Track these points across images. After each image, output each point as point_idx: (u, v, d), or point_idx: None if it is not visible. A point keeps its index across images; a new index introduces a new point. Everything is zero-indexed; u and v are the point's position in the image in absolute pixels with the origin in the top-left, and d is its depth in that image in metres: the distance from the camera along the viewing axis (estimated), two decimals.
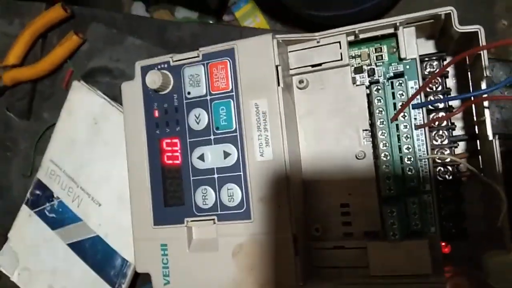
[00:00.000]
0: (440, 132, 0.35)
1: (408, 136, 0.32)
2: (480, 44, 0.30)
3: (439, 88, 0.35)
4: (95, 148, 0.50)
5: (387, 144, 0.31)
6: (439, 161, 0.34)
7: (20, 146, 0.59)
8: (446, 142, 0.35)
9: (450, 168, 0.35)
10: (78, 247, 0.50)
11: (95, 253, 0.50)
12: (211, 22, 1.17)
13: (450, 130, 0.35)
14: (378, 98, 0.31)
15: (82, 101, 0.52)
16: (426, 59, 0.35)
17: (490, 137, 0.30)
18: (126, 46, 0.55)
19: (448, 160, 0.33)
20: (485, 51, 0.30)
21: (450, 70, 0.35)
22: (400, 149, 0.32)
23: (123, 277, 0.46)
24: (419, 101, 0.33)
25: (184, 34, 0.54)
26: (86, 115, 0.51)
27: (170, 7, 1.18)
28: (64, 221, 0.51)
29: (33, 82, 0.57)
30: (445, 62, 0.35)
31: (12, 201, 0.57)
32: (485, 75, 0.30)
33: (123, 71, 0.54)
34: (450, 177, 0.35)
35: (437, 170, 0.35)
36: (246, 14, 1.17)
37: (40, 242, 0.52)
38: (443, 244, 0.34)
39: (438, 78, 0.35)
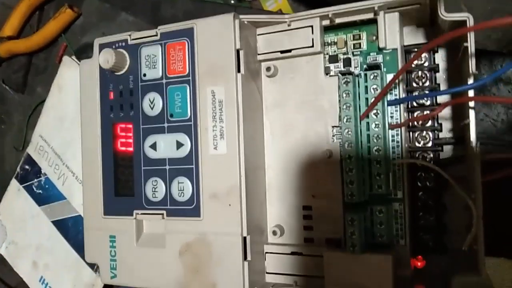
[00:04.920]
0: (424, 133, 0.31)
1: (379, 136, 0.28)
2: (469, 37, 0.26)
3: (427, 84, 0.31)
4: None
5: (352, 145, 0.28)
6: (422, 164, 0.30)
7: (13, 120, 0.59)
8: (430, 144, 0.31)
9: (432, 174, 0.31)
10: (61, 225, 0.50)
11: (77, 232, 0.49)
12: (232, 1, 1.13)
13: (435, 132, 0.31)
14: (346, 91, 0.28)
15: (72, 77, 0.51)
16: (415, 49, 0.31)
17: (472, 144, 0.26)
18: (119, 22, 0.53)
19: (424, 164, 0.29)
20: (473, 43, 0.26)
21: (441, 63, 0.31)
22: (369, 150, 0.28)
23: None
24: (397, 97, 0.29)
25: (178, 11, 0.52)
26: (75, 92, 0.50)
27: None
28: (49, 198, 0.51)
29: (28, 55, 0.57)
30: (436, 55, 0.31)
31: (4, 174, 0.58)
32: (471, 71, 0.26)
33: None
34: (432, 184, 0.31)
35: (418, 175, 0.31)
36: None
37: (27, 217, 0.52)
38: (418, 258, 0.31)
39: (426, 72, 0.31)
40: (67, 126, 0.51)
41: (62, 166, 0.50)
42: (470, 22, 0.26)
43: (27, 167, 0.52)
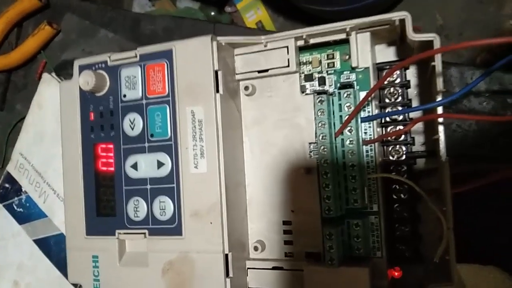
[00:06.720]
0: (397, 148, 0.32)
1: (354, 152, 0.29)
2: (436, 58, 0.27)
3: (399, 99, 0.32)
4: None
5: (327, 161, 0.29)
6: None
7: None
8: (403, 158, 0.32)
9: (406, 186, 0.32)
10: (43, 244, 0.50)
11: (59, 251, 0.49)
12: (212, 13, 1.14)
13: (408, 146, 0.32)
14: (321, 110, 0.29)
15: (52, 94, 0.51)
16: (387, 67, 0.32)
17: (442, 159, 0.28)
18: (99, 38, 0.54)
19: (397, 178, 0.30)
20: (440, 63, 0.27)
21: (412, 79, 0.32)
22: (344, 166, 0.29)
23: None
24: (370, 114, 0.30)
25: (157, 27, 0.53)
26: (56, 109, 0.50)
27: None
28: (30, 216, 0.51)
29: (7, 72, 0.57)
30: (407, 71, 0.32)
31: None
32: (438, 89, 0.27)
33: None
34: (406, 196, 0.32)
35: (393, 188, 0.32)
36: (248, 6, 1.14)
37: (8, 236, 0.52)
38: (395, 268, 0.32)
39: (398, 88, 0.32)
40: (47, 143, 0.50)
41: (43, 184, 0.50)
42: (437, 42, 0.27)
43: (7, 185, 0.52)
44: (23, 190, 0.50)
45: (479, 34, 0.89)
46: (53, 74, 0.50)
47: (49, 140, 0.50)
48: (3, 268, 0.51)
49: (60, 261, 0.48)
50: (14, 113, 0.56)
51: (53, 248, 0.49)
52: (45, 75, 0.51)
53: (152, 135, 0.31)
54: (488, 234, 0.35)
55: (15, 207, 0.51)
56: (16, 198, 0.51)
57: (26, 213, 0.50)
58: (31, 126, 0.51)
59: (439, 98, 0.28)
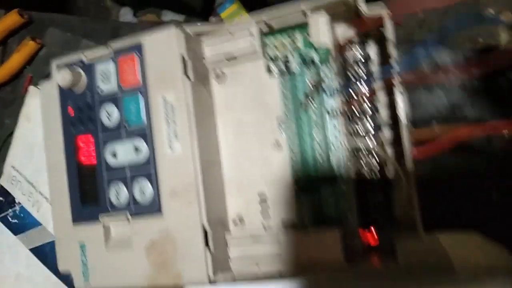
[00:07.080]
0: (363, 118, 0.33)
1: (320, 125, 0.31)
2: (389, 31, 0.29)
3: (361, 74, 0.34)
4: None
5: (296, 135, 0.30)
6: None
7: None
8: (369, 127, 0.33)
9: (375, 155, 0.33)
10: (39, 252, 0.51)
11: (55, 257, 0.50)
12: (198, 24, 1.16)
13: (373, 116, 0.33)
14: (286, 89, 0.31)
15: (39, 106, 0.52)
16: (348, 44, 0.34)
17: (401, 120, 0.29)
18: (81, 49, 0.55)
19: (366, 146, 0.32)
20: (390, 29, 0.29)
21: (372, 54, 0.34)
22: (312, 139, 0.31)
23: None
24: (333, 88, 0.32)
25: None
26: None
27: (157, 11, 1.18)
28: (25, 226, 0.51)
29: None
30: (368, 47, 0.34)
31: None
32: (392, 57, 0.29)
33: None
34: (375, 163, 0.33)
35: (361, 155, 0.33)
36: (232, 15, 1.16)
37: (4, 248, 0.52)
38: (370, 230, 0.33)
39: (359, 63, 0.34)
40: (37, 153, 0.51)
41: (35, 193, 0.51)
42: (385, 15, 0.29)
43: (0, 198, 0.53)
44: (17, 201, 0.52)
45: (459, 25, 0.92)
46: (39, 87, 0.52)
47: (39, 151, 0.51)
48: (1, 279, 0.52)
49: (56, 267, 0.49)
50: (4, 128, 0.58)
51: (49, 255, 0.50)
52: (31, 88, 0.52)
53: (128, 124, 0.33)
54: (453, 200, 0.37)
55: (9, 218, 0.52)
56: (10, 210, 0.52)
57: (21, 224, 0.51)
58: (21, 138, 0.52)
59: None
